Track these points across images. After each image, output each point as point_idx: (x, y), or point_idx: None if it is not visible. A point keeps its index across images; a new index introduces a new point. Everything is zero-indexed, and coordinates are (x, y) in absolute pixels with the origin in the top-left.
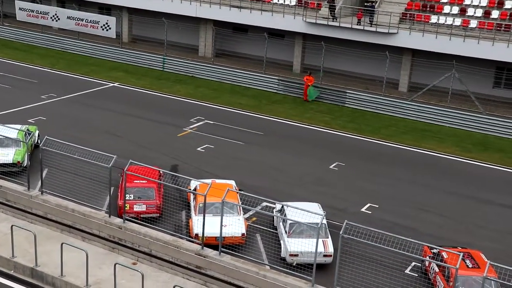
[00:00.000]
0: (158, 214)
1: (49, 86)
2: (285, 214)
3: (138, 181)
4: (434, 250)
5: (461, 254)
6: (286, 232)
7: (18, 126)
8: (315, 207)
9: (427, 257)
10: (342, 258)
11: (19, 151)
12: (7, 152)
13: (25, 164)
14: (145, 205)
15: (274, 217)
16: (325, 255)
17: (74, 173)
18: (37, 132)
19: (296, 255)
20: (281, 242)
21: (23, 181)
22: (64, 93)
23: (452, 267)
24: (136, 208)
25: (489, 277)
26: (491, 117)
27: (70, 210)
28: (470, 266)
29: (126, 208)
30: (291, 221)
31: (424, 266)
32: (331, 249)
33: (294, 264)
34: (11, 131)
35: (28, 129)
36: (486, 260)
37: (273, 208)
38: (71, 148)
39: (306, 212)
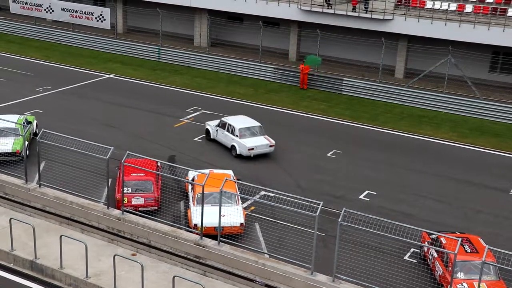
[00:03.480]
0: (157, 207)
1: (45, 78)
2: (229, 124)
3: (135, 174)
4: (433, 236)
5: (460, 239)
6: (236, 136)
7: (17, 116)
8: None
9: (426, 242)
10: (341, 246)
11: (17, 140)
12: (6, 142)
13: (23, 154)
14: (143, 198)
15: (210, 130)
16: (270, 146)
17: (72, 165)
18: (35, 122)
19: (252, 149)
20: (234, 144)
21: (21, 174)
22: (59, 85)
23: (451, 252)
24: (134, 201)
25: (487, 262)
26: (487, 102)
27: (68, 202)
28: (469, 251)
29: (124, 202)
30: (240, 127)
31: (422, 252)
32: (273, 141)
33: (252, 156)
34: (10, 120)
35: (26, 119)
36: (485, 244)
37: (208, 125)
38: (68, 140)
39: (245, 119)
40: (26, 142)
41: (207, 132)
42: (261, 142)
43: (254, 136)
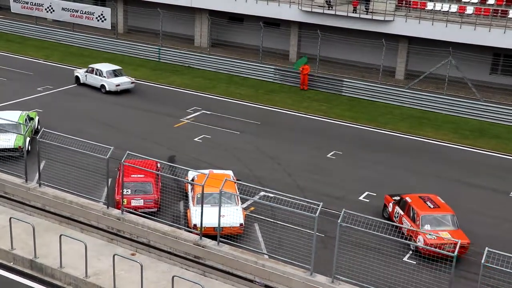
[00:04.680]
0: (156, 209)
1: (45, 78)
2: (96, 69)
3: (135, 176)
4: (396, 198)
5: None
6: (104, 77)
7: (19, 112)
8: None
9: (390, 203)
10: (340, 247)
11: (20, 136)
12: (8, 138)
13: (25, 149)
14: (142, 200)
15: (80, 77)
16: (131, 82)
17: (72, 165)
18: (37, 118)
19: (119, 85)
20: (103, 83)
21: (21, 173)
22: (60, 85)
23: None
24: (134, 203)
25: (447, 214)
26: (487, 103)
27: (68, 201)
28: (432, 206)
29: (123, 203)
30: (106, 70)
31: (387, 214)
32: (133, 79)
33: (119, 91)
34: (12, 117)
35: (28, 115)
36: (443, 201)
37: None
38: (68, 139)
39: (109, 65)
40: (28, 138)
41: (77, 78)
42: (124, 80)
43: (118, 76)
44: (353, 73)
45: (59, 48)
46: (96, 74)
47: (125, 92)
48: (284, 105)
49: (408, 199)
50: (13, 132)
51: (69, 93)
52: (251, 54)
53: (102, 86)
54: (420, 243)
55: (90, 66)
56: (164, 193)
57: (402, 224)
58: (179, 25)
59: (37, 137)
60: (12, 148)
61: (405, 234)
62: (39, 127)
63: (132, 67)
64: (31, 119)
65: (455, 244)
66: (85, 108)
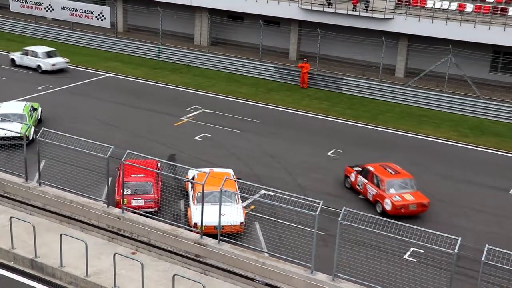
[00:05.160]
0: (156, 209)
1: (44, 77)
2: (31, 51)
3: (135, 175)
4: (357, 168)
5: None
6: (40, 57)
7: (23, 103)
8: None
9: (352, 173)
10: (341, 245)
11: (25, 125)
12: (14, 126)
13: (31, 138)
14: (142, 200)
15: (16, 59)
16: (66, 62)
17: (72, 164)
18: (40, 108)
19: (54, 65)
20: (40, 64)
21: (21, 172)
22: (60, 84)
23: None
24: (134, 202)
25: (407, 178)
26: (487, 101)
27: (68, 201)
28: (393, 173)
29: (124, 203)
30: (41, 51)
31: (349, 184)
32: (68, 59)
33: (55, 70)
34: (17, 107)
35: (32, 106)
36: (400, 168)
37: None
38: (68, 139)
39: (43, 47)
40: (33, 128)
41: (12, 60)
42: (59, 60)
43: (53, 57)
44: (353, 71)
45: (58, 47)
46: (31, 55)
47: (124, 91)
48: (284, 103)
49: (370, 168)
50: (19, 115)
51: (69, 92)
52: (251, 53)
53: (39, 66)
54: (387, 205)
55: (24, 48)
56: (164, 192)
57: (366, 191)
58: (178, 24)
59: (37, 137)
60: (19, 137)
61: (372, 200)
62: (42, 117)
63: (132, 66)
64: (34, 109)
65: (418, 203)
66: (85, 107)
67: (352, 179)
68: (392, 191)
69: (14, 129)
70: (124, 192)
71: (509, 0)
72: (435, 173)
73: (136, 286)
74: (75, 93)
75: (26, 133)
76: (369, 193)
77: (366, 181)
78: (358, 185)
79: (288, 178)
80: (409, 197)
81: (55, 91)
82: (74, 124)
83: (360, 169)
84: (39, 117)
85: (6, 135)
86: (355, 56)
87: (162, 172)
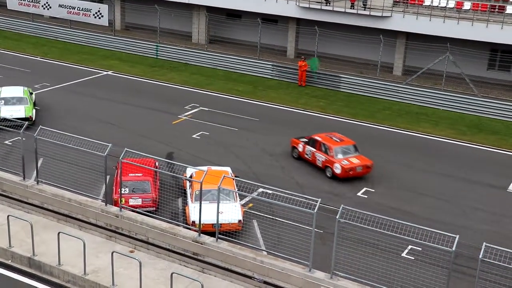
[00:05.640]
0: (154, 208)
1: (42, 75)
2: None
3: (133, 175)
4: (303, 139)
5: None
6: None
7: (21, 87)
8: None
9: (300, 144)
10: (339, 243)
11: (28, 107)
12: (18, 108)
13: (34, 118)
14: (140, 199)
15: None
16: None
17: (70, 163)
18: (34, 93)
19: None
20: None
21: (19, 171)
22: (57, 82)
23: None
24: (132, 202)
25: (350, 145)
26: (485, 99)
27: (66, 199)
28: (338, 140)
29: (121, 203)
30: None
31: (296, 154)
32: None
33: None
34: (16, 91)
35: (29, 90)
36: (343, 136)
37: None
38: (66, 137)
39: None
40: (34, 110)
41: None
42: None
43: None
44: (351, 69)
45: (56, 45)
46: None
47: (122, 89)
48: (282, 101)
49: (317, 138)
50: (19, 98)
51: (67, 91)
52: (249, 51)
53: None
54: (337, 169)
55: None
56: (162, 190)
57: (315, 158)
58: (176, 22)
59: (35, 135)
60: (24, 118)
61: (321, 166)
62: (36, 101)
63: (129, 64)
64: (31, 93)
65: (363, 165)
66: (83, 106)
67: (300, 149)
68: (340, 156)
69: (17, 111)
70: (122, 191)
71: None
72: (433, 171)
73: (134, 285)
74: (73, 91)
75: (31, 114)
76: (318, 160)
77: (314, 149)
78: (307, 154)
79: (286, 176)
80: (355, 161)
81: (52, 89)
82: (72, 122)
83: (306, 140)
84: (34, 101)
85: (13, 117)
86: (353, 54)
87: (160, 170)
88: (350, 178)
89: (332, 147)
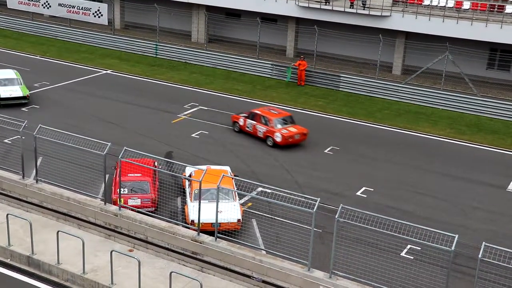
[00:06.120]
0: (153, 208)
1: (42, 74)
2: None
3: (132, 175)
4: (243, 114)
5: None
6: None
7: (11, 70)
8: None
9: (240, 119)
10: (338, 242)
11: (22, 87)
12: (15, 89)
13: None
14: (139, 199)
15: None
16: None
17: (69, 161)
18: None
19: None
20: None
21: (18, 169)
22: (57, 81)
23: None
24: (131, 202)
25: (287, 116)
26: (484, 98)
27: (65, 198)
28: (276, 113)
29: (120, 203)
30: None
31: (237, 128)
32: None
33: None
34: (9, 73)
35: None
36: (279, 109)
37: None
38: (65, 136)
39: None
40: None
41: None
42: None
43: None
44: (350, 68)
45: (56, 44)
46: None
47: (122, 88)
48: (282, 100)
49: (257, 111)
50: (11, 80)
51: (66, 89)
52: (249, 50)
53: None
54: (278, 138)
55: None
56: (161, 189)
57: (256, 130)
58: (176, 21)
59: (34, 133)
60: (22, 96)
61: (262, 136)
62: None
63: (129, 63)
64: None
65: (300, 133)
66: (82, 104)
67: (241, 123)
68: (279, 126)
69: (15, 91)
70: (121, 192)
71: None
72: (432, 171)
73: (133, 284)
74: (72, 90)
75: (28, 93)
76: (259, 131)
77: (255, 122)
78: (248, 127)
79: (286, 175)
80: (293, 129)
81: (52, 88)
82: (71, 121)
83: (246, 115)
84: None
85: (12, 96)
86: (352, 54)
87: (160, 169)
88: (289, 145)
89: (271, 118)
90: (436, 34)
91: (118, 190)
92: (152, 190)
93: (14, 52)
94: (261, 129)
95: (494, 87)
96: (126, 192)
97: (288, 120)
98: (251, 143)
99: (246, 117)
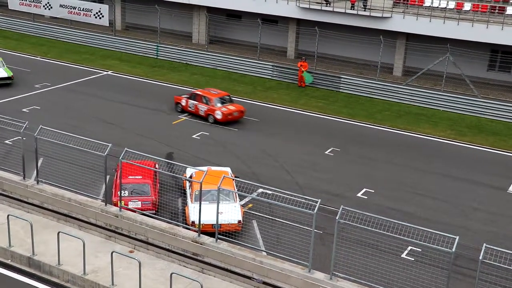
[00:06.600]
0: (154, 211)
1: (42, 75)
2: None
3: (133, 177)
4: (185, 96)
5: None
6: None
7: None
8: None
9: (183, 99)
10: (339, 243)
11: (5, 68)
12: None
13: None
14: (140, 202)
15: None
16: None
17: (70, 162)
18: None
19: None
20: None
21: (19, 170)
22: (57, 82)
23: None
24: (131, 205)
25: (226, 96)
26: (485, 100)
27: (66, 199)
28: (216, 93)
29: (121, 205)
30: None
31: (180, 108)
32: None
33: None
34: None
35: None
36: (220, 90)
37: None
38: (66, 137)
39: None
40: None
41: None
42: None
43: None
44: (351, 69)
45: (56, 45)
46: None
47: (122, 89)
48: (282, 102)
49: (198, 92)
50: None
51: (67, 90)
52: (249, 51)
53: None
54: (218, 115)
55: None
56: (162, 190)
57: (198, 109)
58: (177, 22)
59: (35, 134)
60: (7, 77)
61: (204, 115)
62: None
63: (130, 64)
64: None
65: (239, 111)
66: (82, 105)
67: (183, 103)
68: (219, 105)
69: (1, 72)
70: (122, 194)
71: None
72: (433, 172)
73: (133, 285)
74: (73, 91)
75: (12, 74)
76: (201, 110)
77: (196, 102)
78: (190, 107)
79: (286, 177)
80: (232, 107)
81: (53, 89)
82: (72, 122)
83: (188, 95)
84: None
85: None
86: (353, 55)
87: (160, 171)
88: (229, 122)
89: (212, 98)
90: (437, 35)
91: (118, 192)
92: (153, 193)
93: (15, 53)
94: (203, 108)
95: (495, 88)
96: (126, 194)
97: (227, 99)
98: (251, 144)
99: (188, 98)
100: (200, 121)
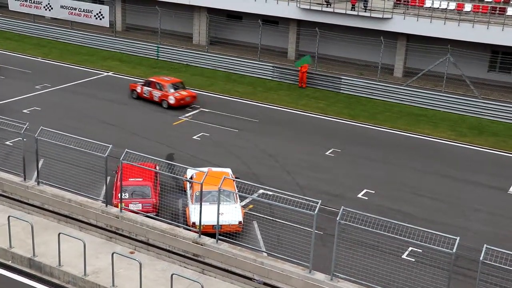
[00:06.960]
0: (155, 213)
1: (43, 76)
2: None
3: (133, 179)
4: (140, 83)
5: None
6: None
7: None
8: None
9: (138, 87)
10: (339, 244)
11: None
12: None
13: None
14: (140, 204)
15: None
16: None
17: (70, 163)
18: None
19: None
20: None
21: (19, 171)
22: (58, 83)
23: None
24: (132, 207)
25: (178, 82)
26: (486, 101)
27: (66, 200)
28: (168, 79)
29: (122, 207)
30: None
31: (135, 95)
32: None
33: None
34: None
35: None
36: (173, 77)
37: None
38: (67, 138)
39: None
40: None
41: None
42: None
43: None
44: (351, 70)
45: (57, 46)
46: None
47: (123, 90)
48: (283, 103)
49: (152, 79)
50: None
51: (68, 91)
52: (250, 52)
53: None
54: (172, 100)
55: None
56: (162, 191)
57: (152, 96)
58: (177, 23)
59: (35, 135)
60: None
61: (158, 100)
62: None
63: (130, 65)
64: None
65: (191, 96)
66: (83, 106)
67: (138, 90)
68: (172, 90)
69: None
70: (122, 196)
71: (507, 0)
72: (433, 173)
73: (134, 286)
74: (74, 92)
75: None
76: (155, 96)
77: (151, 89)
78: (145, 94)
79: (287, 178)
80: (184, 93)
81: (53, 90)
82: (73, 123)
83: (143, 82)
84: None
85: None
86: (353, 56)
87: (161, 172)
88: (182, 106)
89: (165, 84)
90: (438, 36)
91: (119, 194)
92: (153, 195)
93: (16, 54)
94: (157, 94)
95: (496, 89)
96: (127, 196)
97: (180, 85)
98: (252, 145)
99: (143, 85)
100: (200, 122)
